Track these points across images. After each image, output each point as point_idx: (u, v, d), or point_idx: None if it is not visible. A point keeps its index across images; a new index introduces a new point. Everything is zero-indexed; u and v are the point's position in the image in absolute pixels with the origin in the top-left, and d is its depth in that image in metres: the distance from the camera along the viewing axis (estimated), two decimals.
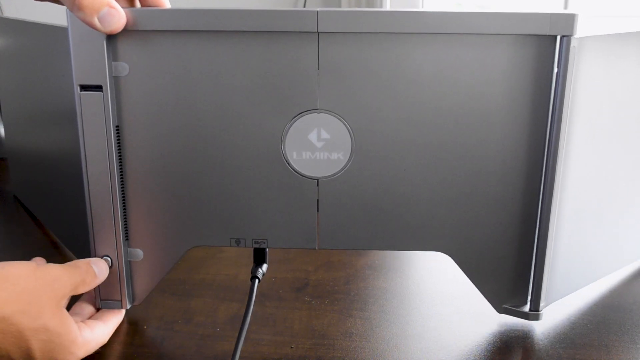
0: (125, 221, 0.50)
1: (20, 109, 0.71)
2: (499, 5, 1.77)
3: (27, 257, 0.66)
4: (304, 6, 1.58)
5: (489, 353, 0.48)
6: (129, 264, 0.51)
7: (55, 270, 0.44)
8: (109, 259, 0.49)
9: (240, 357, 0.45)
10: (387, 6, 1.53)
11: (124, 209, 0.50)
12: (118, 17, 0.43)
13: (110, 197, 0.49)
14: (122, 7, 0.44)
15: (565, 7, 1.56)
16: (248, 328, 0.46)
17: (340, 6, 1.57)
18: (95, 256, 0.51)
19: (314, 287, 0.58)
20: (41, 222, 0.74)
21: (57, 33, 0.51)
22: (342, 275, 0.60)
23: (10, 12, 1.07)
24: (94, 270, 0.47)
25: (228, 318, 0.53)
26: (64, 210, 0.61)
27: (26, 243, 0.70)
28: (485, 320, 0.53)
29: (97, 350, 0.48)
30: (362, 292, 0.57)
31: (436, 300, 0.56)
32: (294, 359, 0.48)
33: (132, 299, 0.53)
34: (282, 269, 0.61)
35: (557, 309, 0.54)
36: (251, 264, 0.62)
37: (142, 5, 0.48)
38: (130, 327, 0.52)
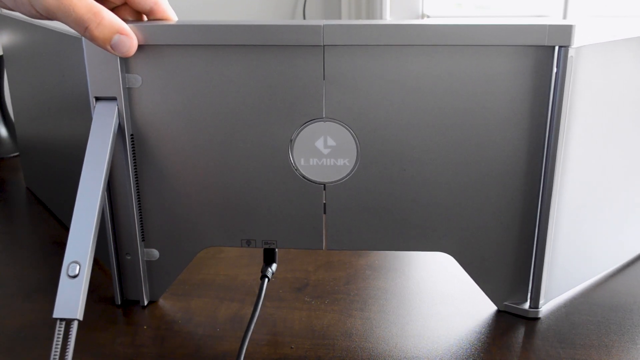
0: (141, 222, 0.52)
1: (31, 105, 0.72)
2: (498, 5, 1.77)
3: (41, 246, 0.67)
4: (304, 8, 1.58)
5: (489, 353, 0.48)
6: (145, 263, 0.54)
7: None
8: (77, 265, 0.43)
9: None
10: (387, 9, 1.53)
11: (140, 211, 0.52)
12: (130, 43, 0.44)
13: (127, 201, 0.51)
14: (131, 22, 0.45)
15: (565, 7, 1.56)
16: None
17: (340, 7, 1.57)
18: (114, 255, 0.53)
19: (314, 287, 0.58)
20: (54, 213, 0.75)
21: (67, 40, 0.52)
22: (342, 275, 0.60)
23: None
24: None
25: (228, 318, 0.53)
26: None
27: (40, 234, 0.71)
28: (485, 320, 0.53)
29: (96, 351, 0.48)
30: (362, 292, 0.57)
31: (436, 300, 0.56)
32: (294, 359, 0.48)
33: (150, 297, 0.55)
34: (282, 269, 0.61)
35: (557, 309, 0.54)
36: (251, 265, 0.62)
37: (149, 18, 0.49)
38: (130, 327, 0.52)
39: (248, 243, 0.52)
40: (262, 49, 0.46)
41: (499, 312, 0.54)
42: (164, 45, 0.47)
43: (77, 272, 0.41)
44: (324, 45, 0.46)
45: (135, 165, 0.50)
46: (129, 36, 0.44)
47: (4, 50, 0.79)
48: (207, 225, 0.52)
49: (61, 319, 0.40)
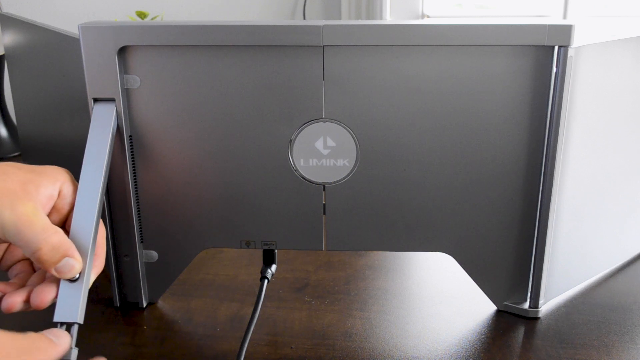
0: (140, 224, 0.52)
1: (33, 105, 0.72)
2: (498, 5, 1.77)
3: None
4: (304, 8, 1.58)
5: (489, 353, 0.48)
6: (144, 265, 0.53)
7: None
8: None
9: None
10: (387, 9, 1.53)
11: (139, 212, 0.52)
12: (74, 267, 0.40)
13: (126, 202, 0.51)
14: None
15: (565, 7, 1.56)
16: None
17: (340, 7, 1.57)
18: (113, 257, 0.52)
19: (314, 287, 0.58)
20: None
21: (68, 40, 0.52)
22: (342, 275, 0.60)
23: (10, 8, 1.07)
24: (48, 338, 0.37)
25: (228, 318, 0.53)
26: None
27: None
28: (485, 321, 0.53)
29: (97, 351, 0.48)
30: (362, 292, 0.57)
31: (436, 300, 0.56)
32: (293, 359, 0.48)
33: (149, 299, 0.55)
34: (282, 269, 0.61)
35: (557, 309, 0.54)
36: (251, 265, 0.62)
37: (66, 232, 0.43)
38: (130, 327, 0.52)
39: (247, 244, 0.52)
40: (261, 50, 0.46)
41: (498, 312, 0.54)
42: (162, 45, 0.46)
43: (77, 275, 0.41)
44: (323, 46, 0.46)
45: (133, 167, 0.50)
46: (75, 260, 0.40)
47: (6, 50, 0.79)
48: (206, 226, 0.52)
49: (61, 323, 0.40)
